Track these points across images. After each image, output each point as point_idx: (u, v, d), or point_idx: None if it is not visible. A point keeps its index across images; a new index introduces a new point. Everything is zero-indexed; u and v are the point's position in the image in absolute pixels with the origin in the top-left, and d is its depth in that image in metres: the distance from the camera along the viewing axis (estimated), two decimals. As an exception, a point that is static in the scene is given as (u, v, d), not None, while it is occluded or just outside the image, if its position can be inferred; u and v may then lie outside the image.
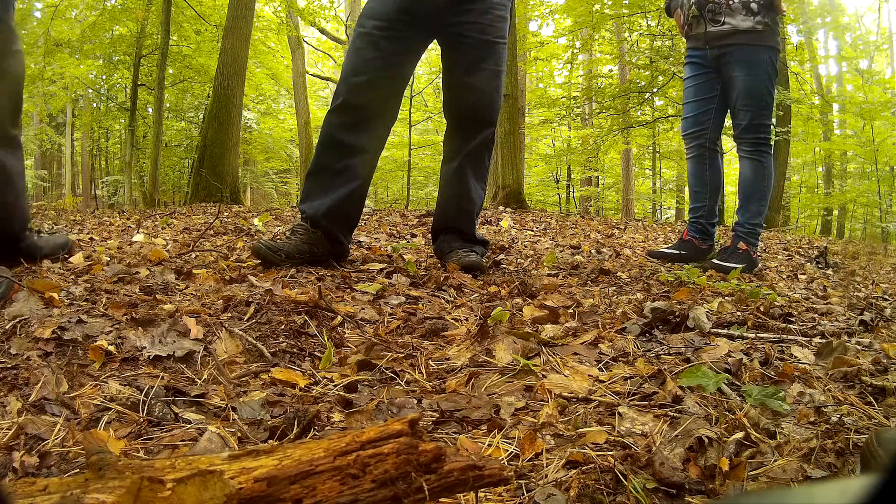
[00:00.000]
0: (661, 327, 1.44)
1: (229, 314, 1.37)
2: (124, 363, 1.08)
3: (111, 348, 1.09)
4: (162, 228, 3.61)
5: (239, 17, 7.95)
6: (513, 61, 8.12)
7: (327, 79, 18.70)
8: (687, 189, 3.50)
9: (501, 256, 2.80)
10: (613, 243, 4.06)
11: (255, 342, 1.22)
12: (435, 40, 2.32)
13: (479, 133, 2.27)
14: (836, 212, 15.33)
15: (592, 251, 3.41)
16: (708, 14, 2.89)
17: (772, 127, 2.95)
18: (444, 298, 1.80)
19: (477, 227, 2.45)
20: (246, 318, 1.36)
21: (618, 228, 5.67)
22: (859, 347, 1.29)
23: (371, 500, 0.53)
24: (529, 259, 2.82)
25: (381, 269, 2.11)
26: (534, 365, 1.15)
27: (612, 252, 3.41)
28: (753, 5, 2.79)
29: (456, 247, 2.30)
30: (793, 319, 1.61)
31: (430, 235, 2.59)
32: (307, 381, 1.10)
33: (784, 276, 2.92)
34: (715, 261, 2.93)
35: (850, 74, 16.08)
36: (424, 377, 1.16)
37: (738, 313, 1.63)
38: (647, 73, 9.64)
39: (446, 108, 2.35)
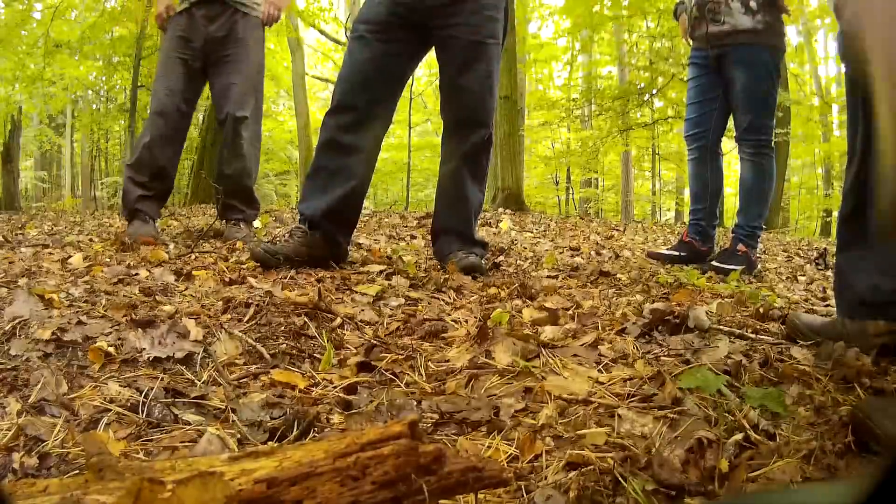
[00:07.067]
0: (660, 329, 1.44)
1: (229, 316, 1.37)
2: (124, 364, 1.08)
3: (111, 350, 1.09)
4: (162, 230, 3.60)
5: (239, 18, 7.94)
6: (512, 63, 8.11)
7: (327, 80, 18.68)
8: (686, 191, 3.50)
9: (501, 258, 2.80)
10: (613, 245, 4.06)
11: (254, 344, 1.22)
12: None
13: (473, 134, 2.27)
14: (835, 213, 15.28)
15: (592, 253, 3.41)
16: (708, 14, 2.89)
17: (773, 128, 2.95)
18: (443, 300, 1.80)
19: (476, 228, 2.45)
20: (245, 319, 1.36)
21: (617, 230, 5.67)
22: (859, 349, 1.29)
23: (371, 501, 0.53)
24: (529, 261, 2.82)
25: (381, 271, 2.11)
26: (533, 367, 1.15)
27: (612, 254, 3.41)
28: (753, 4, 2.77)
29: (455, 248, 2.30)
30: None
31: (429, 237, 2.58)
32: (307, 383, 1.10)
33: (783, 278, 2.92)
34: (714, 262, 2.92)
35: (850, 76, 16.05)
36: (424, 379, 1.16)
37: (738, 315, 1.63)
38: (647, 74, 9.64)
39: (441, 109, 2.36)
